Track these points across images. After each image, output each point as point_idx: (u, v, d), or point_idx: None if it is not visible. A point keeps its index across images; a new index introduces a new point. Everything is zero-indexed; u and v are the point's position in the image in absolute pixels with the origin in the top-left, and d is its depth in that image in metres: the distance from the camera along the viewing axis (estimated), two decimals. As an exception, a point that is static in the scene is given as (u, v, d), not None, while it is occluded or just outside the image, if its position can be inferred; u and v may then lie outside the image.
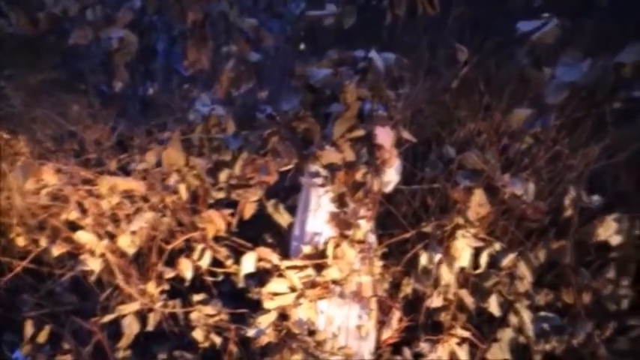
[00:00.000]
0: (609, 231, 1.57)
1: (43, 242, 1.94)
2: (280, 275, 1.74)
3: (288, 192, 2.11)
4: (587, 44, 1.40)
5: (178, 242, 1.90)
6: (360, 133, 1.67)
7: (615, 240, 1.57)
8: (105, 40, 1.83)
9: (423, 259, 1.67)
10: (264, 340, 1.74)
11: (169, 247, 1.90)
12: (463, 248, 1.60)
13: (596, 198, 1.65)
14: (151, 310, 1.99)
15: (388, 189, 1.84)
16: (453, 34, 1.70)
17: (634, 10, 1.32)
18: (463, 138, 2.06)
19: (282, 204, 1.99)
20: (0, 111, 2.10)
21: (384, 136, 1.70)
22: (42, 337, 2.16)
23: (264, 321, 1.74)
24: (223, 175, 1.83)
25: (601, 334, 1.92)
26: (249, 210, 1.91)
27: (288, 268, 1.75)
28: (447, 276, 1.61)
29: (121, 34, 1.81)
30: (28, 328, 2.11)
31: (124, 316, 2.05)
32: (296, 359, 1.74)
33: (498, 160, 1.75)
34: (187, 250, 2.07)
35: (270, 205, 1.91)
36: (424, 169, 1.97)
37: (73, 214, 1.86)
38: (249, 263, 1.80)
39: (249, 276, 1.97)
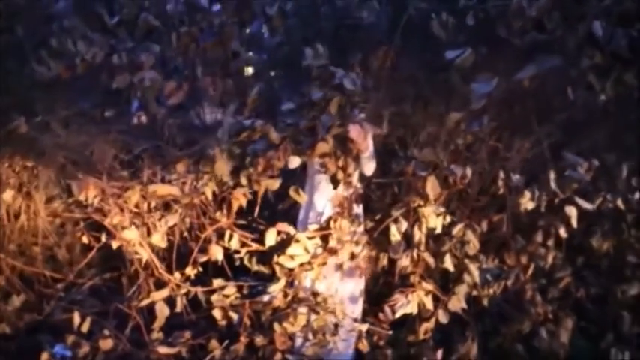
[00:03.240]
0: (525, 199, 2.13)
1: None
2: (296, 241, 2.24)
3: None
4: (496, 65, 1.97)
5: (209, 232, 2.38)
6: (337, 130, 2.21)
7: (530, 205, 2.13)
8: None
9: (393, 229, 2.20)
10: (275, 303, 2.23)
11: (202, 235, 2.39)
12: (430, 215, 2.14)
13: (517, 177, 2.21)
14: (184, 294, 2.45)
15: (368, 173, 2.35)
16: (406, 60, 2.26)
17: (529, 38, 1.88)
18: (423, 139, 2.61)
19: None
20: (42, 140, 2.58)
21: (355, 132, 2.23)
22: (85, 327, 2.58)
23: (275, 287, 2.24)
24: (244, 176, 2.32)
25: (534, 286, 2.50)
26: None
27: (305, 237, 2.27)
28: (418, 235, 2.15)
29: (152, 74, 2.32)
30: (76, 319, 2.52)
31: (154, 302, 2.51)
32: (301, 314, 2.23)
33: (448, 155, 2.32)
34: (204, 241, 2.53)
35: (292, 190, 2.40)
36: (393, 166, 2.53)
37: (117, 218, 2.33)
38: (271, 237, 2.30)
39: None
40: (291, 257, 2.22)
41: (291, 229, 2.32)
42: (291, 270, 2.26)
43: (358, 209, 2.37)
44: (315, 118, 2.17)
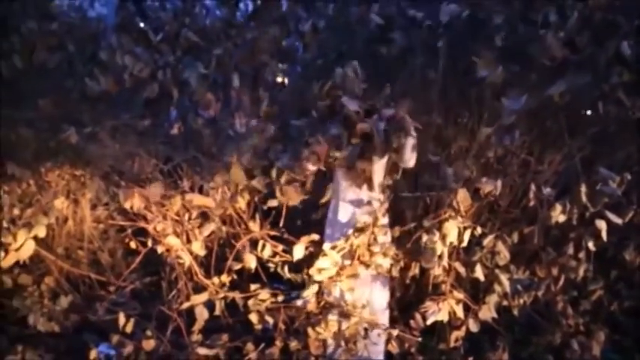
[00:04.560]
0: (557, 212, 2.16)
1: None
2: (324, 255, 2.32)
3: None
4: (527, 82, 2.01)
5: (243, 241, 2.50)
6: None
7: (561, 218, 2.17)
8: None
9: (425, 238, 2.27)
10: (308, 308, 2.31)
11: (238, 244, 2.51)
12: (452, 227, 2.19)
13: (548, 190, 2.24)
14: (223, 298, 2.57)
15: (409, 164, 2.35)
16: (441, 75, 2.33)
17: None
18: (454, 153, 2.66)
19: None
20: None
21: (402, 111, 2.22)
22: (128, 328, 2.72)
23: (309, 292, 2.33)
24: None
25: (566, 298, 2.51)
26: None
27: (331, 248, 2.34)
28: (440, 247, 2.21)
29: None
30: (121, 320, 2.66)
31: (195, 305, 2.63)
32: (332, 321, 2.31)
33: (479, 168, 2.37)
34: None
35: None
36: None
37: (160, 225, 2.47)
38: (299, 251, 2.40)
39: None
40: (319, 271, 2.30)
41: (317, 239, 2.40)
42: (320, 281, 2.34)
43: (384, 219, 2.44)
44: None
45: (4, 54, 2.63)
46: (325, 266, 2.27)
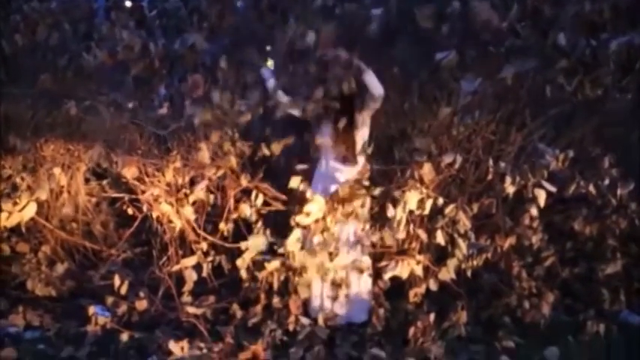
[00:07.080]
0: (507, 183, 2.42)
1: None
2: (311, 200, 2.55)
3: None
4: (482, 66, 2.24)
5: (237, 190, 2.77)
6: None
7: (511, 189, 2.43)
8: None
9: (390, 207, 2.52)
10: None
11: (232, 193, 2.78)
12: (412, 197, 2.45)
13: (503, 165, 2.50)
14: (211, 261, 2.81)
15: (378, 94, 2.59)
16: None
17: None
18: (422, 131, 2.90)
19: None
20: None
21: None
22: (123, 290, 2.93)
23: (293, 238, 2.57)
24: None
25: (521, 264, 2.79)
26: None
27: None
28: (400, 214, 2.47)
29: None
30: (116, 281, 2.88)
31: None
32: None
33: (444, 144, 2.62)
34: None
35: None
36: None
37: (156, 191, 2.70)
38: (295, 182, 2.60)
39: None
40: (307, 214, 2.52)
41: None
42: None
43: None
44: None
45: (6, 33, 2.79)
46: (312, 210, 2.49)
